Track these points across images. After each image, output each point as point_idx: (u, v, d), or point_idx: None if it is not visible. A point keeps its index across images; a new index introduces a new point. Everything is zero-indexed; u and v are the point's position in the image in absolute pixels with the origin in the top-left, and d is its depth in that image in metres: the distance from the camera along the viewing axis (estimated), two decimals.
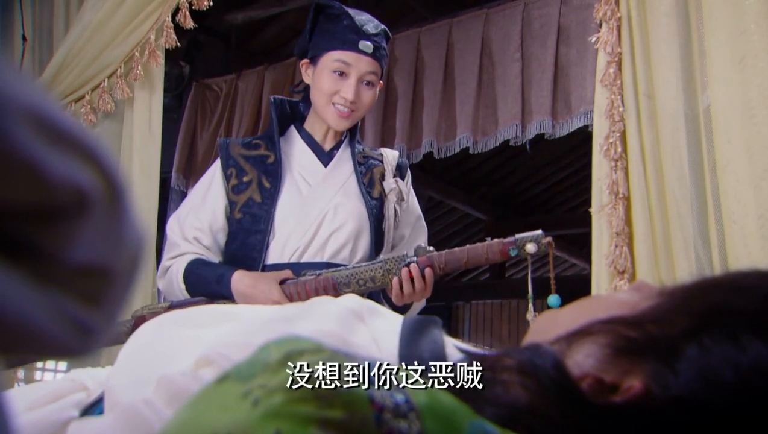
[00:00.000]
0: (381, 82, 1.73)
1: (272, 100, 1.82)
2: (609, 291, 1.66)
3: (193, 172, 3.62)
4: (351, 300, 0.74)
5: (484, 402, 0.49)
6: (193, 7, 2.35)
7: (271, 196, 1.68)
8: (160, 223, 2.74)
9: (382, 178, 1.76)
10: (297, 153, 1.76)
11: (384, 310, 0.77)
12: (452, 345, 0.68)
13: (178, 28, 2.43)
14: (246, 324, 0.74)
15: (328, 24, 1.68)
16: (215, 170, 1.76)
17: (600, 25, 1.80)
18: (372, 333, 0.68)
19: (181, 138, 3.63)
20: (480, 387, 0.50)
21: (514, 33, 2.95)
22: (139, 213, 0.40)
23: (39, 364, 2.70)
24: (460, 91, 3.07)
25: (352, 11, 1.68)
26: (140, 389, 0.63)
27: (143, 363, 0.70)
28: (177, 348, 0.71)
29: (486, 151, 3.11)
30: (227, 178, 1.73)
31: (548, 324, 0.63)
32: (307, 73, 1.72)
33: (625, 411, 0.50)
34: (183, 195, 3.65)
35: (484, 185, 6.67)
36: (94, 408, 0.72)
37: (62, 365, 2.66)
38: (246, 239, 1.67)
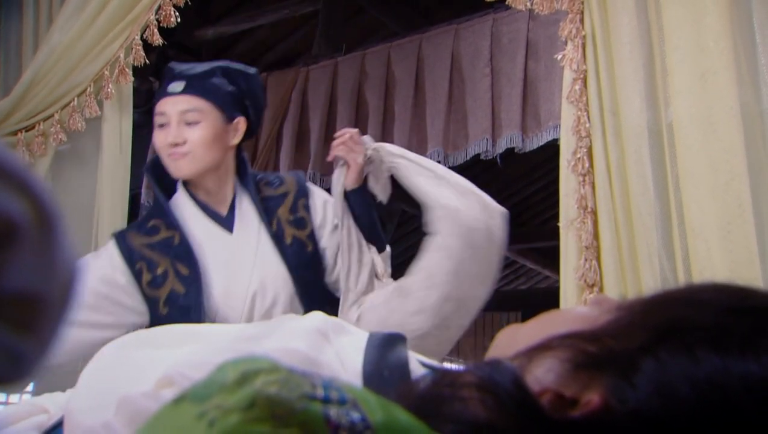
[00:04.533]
0: (240, 118, 1.62)
1: (146, 167, 1.71)
2: (575, 305, 1.67)
3: None
4: (316, 318, 0.74)
5: (443, 419, 0.49)
6: (161, 24, 2.34)
7: (194, 282, 1.56)
8: None
9: (291, 214, 1.65)
10: (194, 222, 1.64)
11: (350, 327, 0.77)
12: (416, 361, 0.69)
13: (148, 44, 2.42)
14: (210, 344, 0.73)
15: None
16: (115, 272, 1.58)
17: (566, 43, 1.83)
18: (337, 350, 0.68)
19: (150, 154, 3.60)
20: (439, 404, 0.50)
21: (483, 48, 2.99)
22: (74, 242, 0.40)
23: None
24: (430, 106, 3.10)
25: (181, 66, 1.63)
26: (101, 411, 0.63)
27: (104, 385, 0.69)
28: (139, 369, 0.70)
29: (457, 165, 3.13)
30: (137, 274, 1.58)
31: (509, 340, 0.63)
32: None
33: (583, 426, 0.50)
34: None
35: None
36: (55, 431, 0.71)
37: (29, 388, 2.61)
38: None
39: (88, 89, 2.45)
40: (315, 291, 1.63)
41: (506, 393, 0.51)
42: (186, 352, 0.71)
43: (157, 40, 2.36)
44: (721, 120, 1.60)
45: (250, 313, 1.58)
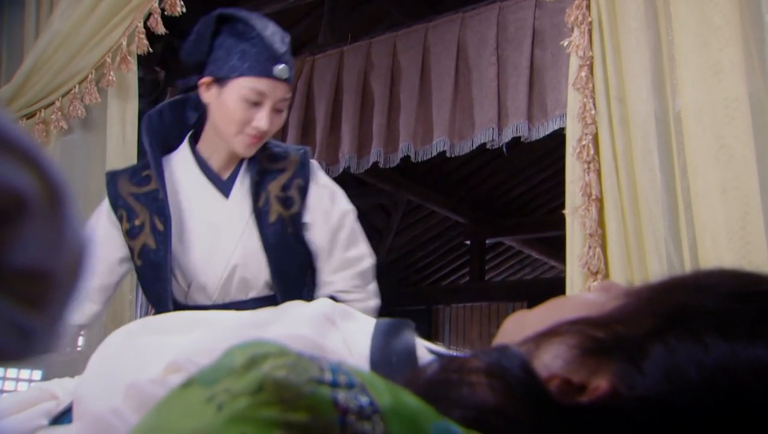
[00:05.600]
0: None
1: (146, 119, 1.64)
2: (581, 292, 1.67)
3: None
4: (323, 305, 0.74)
5: (451, 404, 0.49)
6: (165, 13, 2.34)
7: (165, 240, 1.54)
8: None
9: (282, 191, 1.60)
10: (189, 180, 1.60)
11: (357, 314, 0.77)
12: (423, 347, 0.69)
13: (153, 33, 2.42)
14: (217, 331, 0.73)
15: (234, 39, 1.52)
16: (101, 214, 1.61)
17: (572, 29, 1.82)
18: (344, 336, 0.68)
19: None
20: (447, 389, 0.50)
21: (489, 37, 2.97)
22: (83, 218, 0.40)
23: (13, 373, 2.66)
24: (436, 95, 3.08)
25: (258, 22, 1.52)
26: (109, 397, 0.63)
27: (112, 371, 0.70)
28: (147, 355, 0.70)
29: (463, 155, 3.13)
30: (119, 220, 1.59)
31: (516, 326, 0.63)
32: (209, 92, 1.55)
33: (591, 412, 0.50)
34: None
35: (462, 189, 6.70)
36: (64, 417, 0.71)
37: (36, 375, 2.62)
38: (151, 287, 1.58)
39: (90, 76, 2.45)
40: (289, 278, 1.59)
41: (514, 378, 0.51)
42: (193, 339, 0.72)
43: (161, 28, 2.36)
44: (729, 110, 1.59)
45: (227, 284, 1.55)
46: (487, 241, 7.42)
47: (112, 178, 1.62)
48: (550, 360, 0.53)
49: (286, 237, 1.58)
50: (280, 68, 1.50)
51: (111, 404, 0.62)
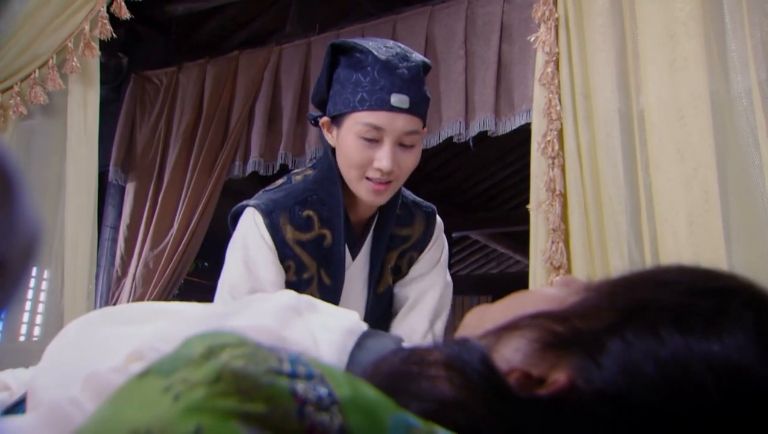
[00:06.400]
0: (424, 129, 1.36)
1: (311, 117, 1.41)
2: (543, 286, 1.69)
3: (131, 166, 3.53)
4: (287, 296, 0.73)
5: (411, 397, 0.49)
6: None
7: (332, 294, 1.37)
8: (99, 218, 2.67)
9: (397, 260, 1.44)
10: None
11: (324, 305, 0.76)
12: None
13: (116, 19, 2.37)
14: (181, 321, 0.72)
15: (348, 71, 1.31)
16: (263, 244, 1.34)
17: (539, 25, 1.83)
18: (309, 327, 0.67)
19: (119, 131, 3.53)
20: (406, 381, 0.50)
21: (458, 30, 2.97)
22: (38, 205, 0.39)
23: None
24: None
25: (379, 49, 1.31)
26: (66, 387, 0.62)
27: (70, 361, 0.68)
28: (107, 345, 0.69)
29: (430, 148, 3.13)
30: (285, 271, 1.37)
31: (478, 319, 0.64)
32: (330, 135, 1.36)
33: (550, 405, 0.50)
34: (121, 189, 3.56)
35: (428, 182, 6.72)
36: (17, 407, 0.69)
37: None
38: None
39: (51, 61, 2.39)
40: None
41: (474, 371, 0.51)
42: (157, 328, 0.71)
43: (125, 14, 2.31)
44: (688, 108, 1.62)
45: None
46: (453, 235, 7.46)
47: (271, 219, 1.35)
48: (511, 354, 0.54)
49: (384, 303, 1.48)
50: (399, 97, 1.28)
51: (69, 393, 0.61)
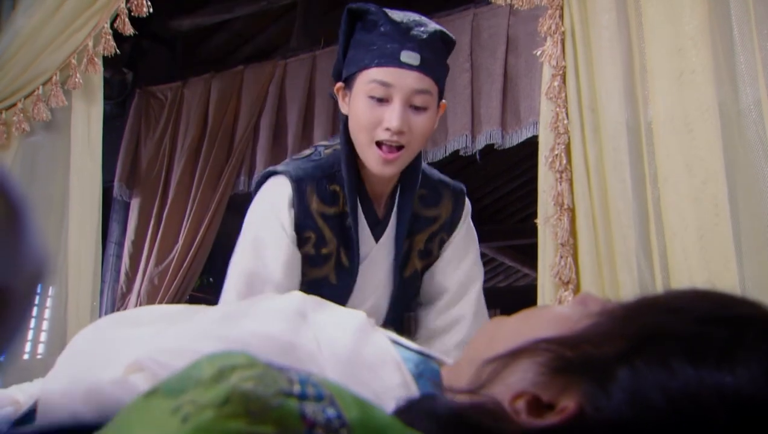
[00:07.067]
0: (443, 102, 1.32)
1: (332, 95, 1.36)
2: (553, 303, 1.67)
3: (136, 182, 3.54)
4: (295, 298, 0.75)
5: (418, 417, 0.49)
6: (132, 14, 2.30)
7: (348, 277, 1.32)
8: (103, 234, 2.67)
9: (426, 243, 1.39)
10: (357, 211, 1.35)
11: (330, 305, 0.76)
12: (394, 348, 0.69)
13: (120, 34, 2.37)
14: (188, 328, 0.72)
15: (363, 34, 1.27)
16: (277, 218, 1.28)
17: (545, 39, 1.83)
18: (314, 331, 0.68)
19: (124, 146, 3.55)
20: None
21: (463, 43, 2.97)
22: (43, 233, 0.39)
23: None
24: None
25: (394, 12, 1.27)
26: (73, 396, 0.61)
27: (78, 368, 0.69)
28: (114, 349, 0.69)
29: (436, 161, 3.12)
30: (302, 241, 1.30)
31: (488, 340, 0.63)
32: (344, 102, 1.31)
33: (559, 433, 0.49)
34: (126, 205, 3.57)
35: None
36: (27, 418, 0.69)
37: None
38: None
39: (54, 77, 2.40)
40: (398, 309, 1.42)
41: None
42: (157, 335, 0.70)
43: (129, 29, 2.32)
44: (696, 120, 1.61)
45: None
46: None
47: (299, 183, 1.30)
48: (520, 378, 0.53)
49: (413, 287, 1.43)
50: (408, 53, 1.22)
51: (71, 408, 0.61)
